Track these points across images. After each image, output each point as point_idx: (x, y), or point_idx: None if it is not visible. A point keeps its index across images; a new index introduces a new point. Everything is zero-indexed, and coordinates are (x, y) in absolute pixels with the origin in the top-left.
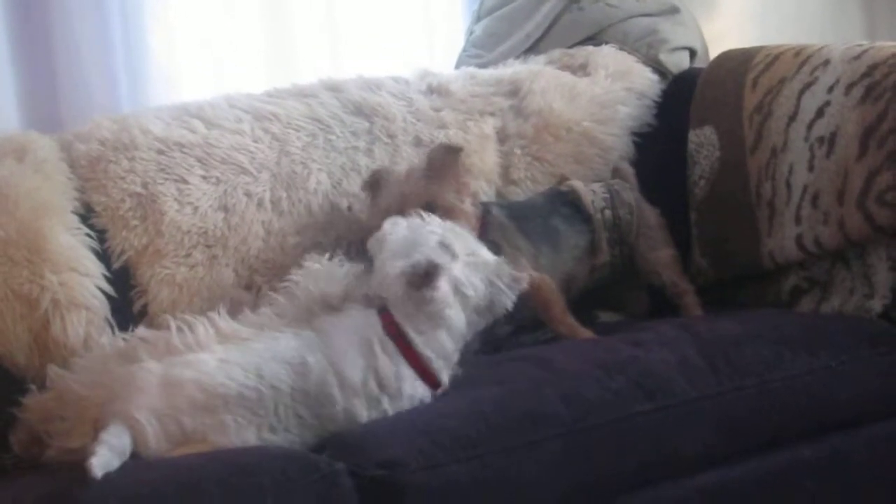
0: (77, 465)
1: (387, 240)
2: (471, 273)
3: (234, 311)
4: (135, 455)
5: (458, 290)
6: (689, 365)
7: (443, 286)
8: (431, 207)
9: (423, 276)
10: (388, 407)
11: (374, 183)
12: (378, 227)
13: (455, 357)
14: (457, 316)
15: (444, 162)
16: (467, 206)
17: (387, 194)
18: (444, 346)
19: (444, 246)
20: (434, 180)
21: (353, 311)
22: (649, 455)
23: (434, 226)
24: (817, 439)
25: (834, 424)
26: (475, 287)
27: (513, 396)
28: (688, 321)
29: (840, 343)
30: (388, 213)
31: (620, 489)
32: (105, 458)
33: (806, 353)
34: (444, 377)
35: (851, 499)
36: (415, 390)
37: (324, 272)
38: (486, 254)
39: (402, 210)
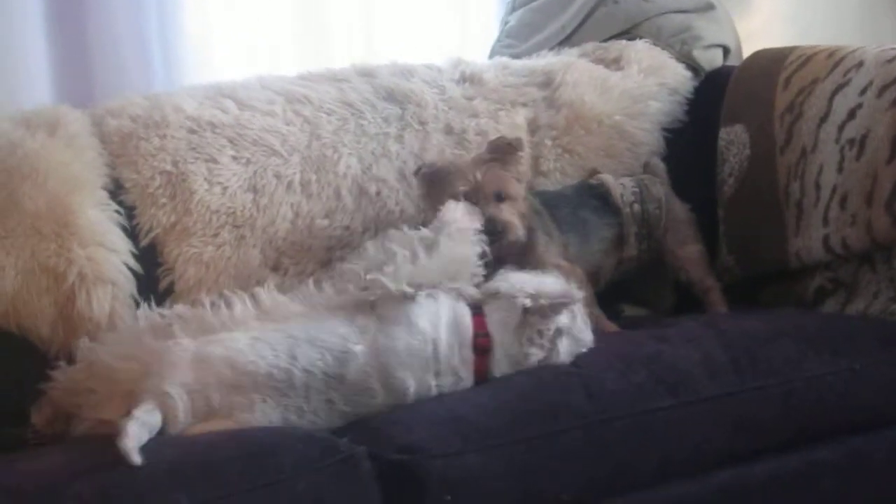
0: (104, 439)
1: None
2: (572, 343)
3: None
4: (163, 430)
5: (554, 345)
6: (712, 362)
7: (551, 331)
8: (500, 196)
9: (543, 310)
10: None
11: (436, 172)
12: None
13: None
14: (533, 358)
15: (507, 152)
16: (523, 196)
17: (458, 180)
18: (508, 370)
19: (571, 311)
20: (501, 169)
21: (431, 304)
22: (670, 450)
23: (575, 293)
24: (838, 440)
25: (855, 426)
26: (567, 353)
27: (536, 387)
28: (713, 318)
29: (864, 345)
30: (459, 196)
31: (640, 483)
32: (138, 438)
33: (829, 354)
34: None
35: (871, 500)
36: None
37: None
38: (589, 337)
39: (475, 195)
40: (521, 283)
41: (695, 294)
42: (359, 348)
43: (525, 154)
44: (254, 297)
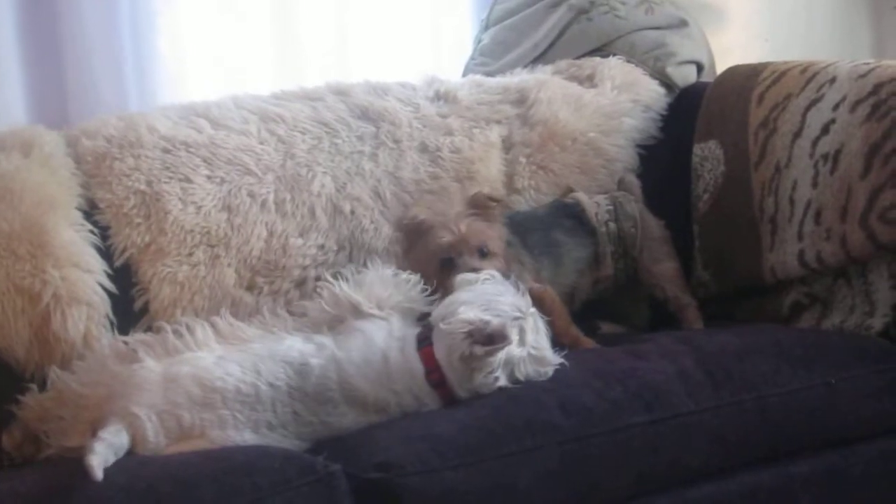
0: (73, 461)
1: (474, 286)
2: (529, 363)
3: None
4: (132, 451)
5: (508, 369)
6: (688, 377)
7: (498, 358)
8: (483, 252)
9: (487, 338)
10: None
11: (418, 225)
12: (430, 265)
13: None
14: (492, 384)
15: (487, 207)
16: (503, 245)
17: (441, 231)
18: (474, 392)
19: (521, 329)
20: (484, 224)
21: (384, 324)
22: (646, 466)
23: (523, 304)
24: (814, 455)
25: (831, 441)
26: (526, 375)
27: (512, 404)
28: (688, 334)
29: (839, 360)
30: (443, 251)
31: (616, 500)
32: (103, 456)
33: (805, 369)
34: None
35: None
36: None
37: (358, 279)
38: (550, 354)
39: (458, 247)
40: (466, 307)
41: (670, 310)
42: (315, 361)
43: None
44: (212, 324)
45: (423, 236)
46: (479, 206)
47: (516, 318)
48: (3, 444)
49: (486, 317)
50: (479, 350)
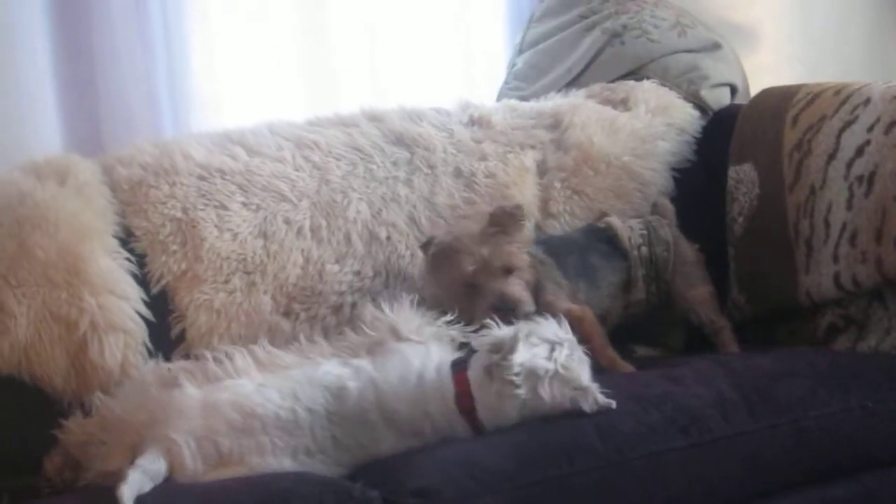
0: (112, 488)
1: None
2: (556, 382)
3: None
4: (171, 478)
5: (532, 382)
6: (724, 401)
7: (518, 364)
8: (507, 270)
9: (503, 346)
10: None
11: (442, 250)
12: (456, 291)
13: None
14: (511, 393)
15: (510, 222)
16: (527, 260)
17: (465, 258)
18: (505, 423)
19: (553, 347)
20: (506, 241)
21: (422, 347)
22: (683, 490)
23: (562, 332)
24: (851, 478)
25: (868, 463)
26: (551, 395)
27: (549, 429)
28: (724, 357)
29: (875, 382)
30: (467, 279)
31: None
32: (136, 485)
33: (841, 392)
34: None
35: None
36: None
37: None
38: (586, 381)
39: (483, 273)
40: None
41: (705, 334)
42: (353, 384)
43: (526, 222)
44: (250, 352)
45: (447, 261)
46: (500, 222)
47: (549, 340)
48: (44, 470)
49: (512, 331)
50: (496, 356)
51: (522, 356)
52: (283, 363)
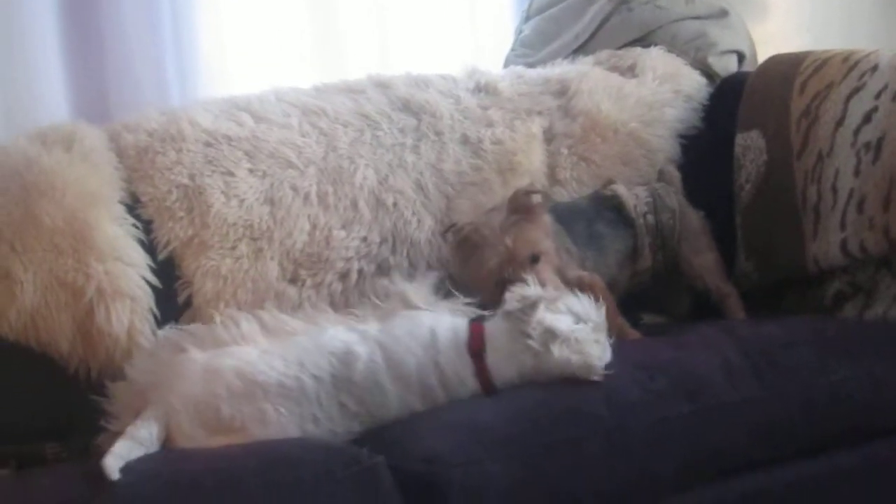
0: None
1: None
2: (568, 344)
3: None
4: (169, 443)
5: (546, 337)
6: (731, 368)
7: (537, 319)
8: (535, 258)
9: (528, 305)
10: (443, 401)
11: (464, 241)
12: (485, 285)
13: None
14: (525, 342)
15: (530, 206)
16: (551, 242)
17: (490, 253)
18: (509, 374)
19: (577, 317)
20: (529, 228)
21: (434, 314)
22: (689, 457)
23: (594, 311)
24: (859, 445)
25: (875, 431)
26: (561, 354)
27: (555, 395)
28: (731, 324)
29: (883, 350)
30: (494, 273)
31: (660, 490)
32: (123, 454)
33: (849, 359)
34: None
35: None
36: (470, 394)
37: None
38: (595, 357)
39: (510, 264)
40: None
41: (712, 301)
42: (360, 348)
43: (543, 204)
44: (257, 317)
45: (472, 255)
46: (520, 207)
47: (576, 314)
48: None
49: (539, 291)
50: (519, 320)
51: (543, 315)
52: (290, 328)
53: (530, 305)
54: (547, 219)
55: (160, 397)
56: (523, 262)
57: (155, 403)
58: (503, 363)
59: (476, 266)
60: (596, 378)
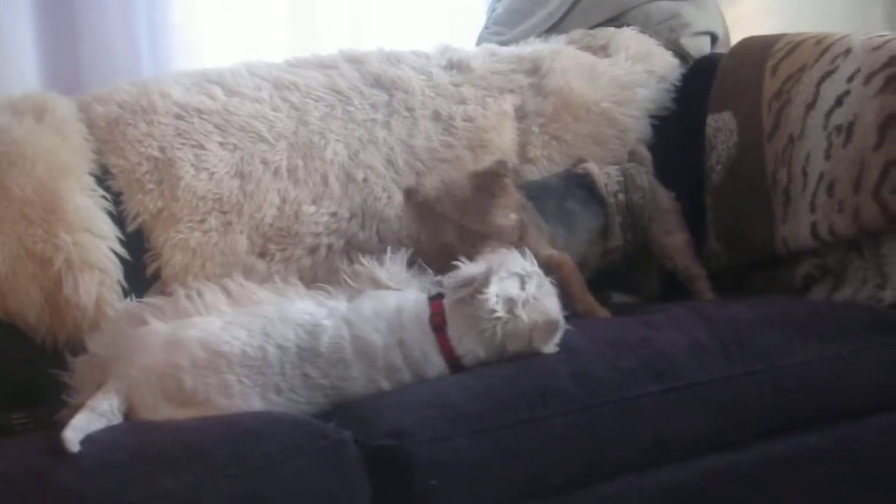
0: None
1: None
2: (530, 307)
3: None
4: (131, 415)
5: (508, 305)
6: (699, 348)
7: (492, 293)
8: (487, 236)
9: (475, 280)
10: (410, 381)
11: (425, 205)
12: (437, 256)
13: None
14: (491, 317)
15: (494, 182)
16: (513, 217)
17: (444, 225)
18: (474, 348)
19: (523, 280)
20: (491, 205)
21: (399, 292)
22: (657, 436)
23: (528, 264)
24: (826, 427)
25: (843, 412)
26: (530, 318)
27: (523, 373)
28: (701, 305)
29: (851, 332)
30: (448, 244)
31: (627, 468)
32: (82, 427)
33: (817, 341)
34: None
35: (858, 487)
36: (437, 373)
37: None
38: (555, 313)
39: (460, 241)
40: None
41: (682, 281)
42: (328, 322)
43: (510, 178)
44: (224, 287)
45: (427, 220)
46: (484, 184)
47: (518, 273)
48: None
49: (484, 266)
50: (467, 290)
51: (499, 286)
52: (257, 298)
53: (482, 284)
54: (516, 195)
55: (121, 370)
56: (473, 241)
57: (116, 376)
58: (466, 337)
59: (431, 235)
60: (563, 329)
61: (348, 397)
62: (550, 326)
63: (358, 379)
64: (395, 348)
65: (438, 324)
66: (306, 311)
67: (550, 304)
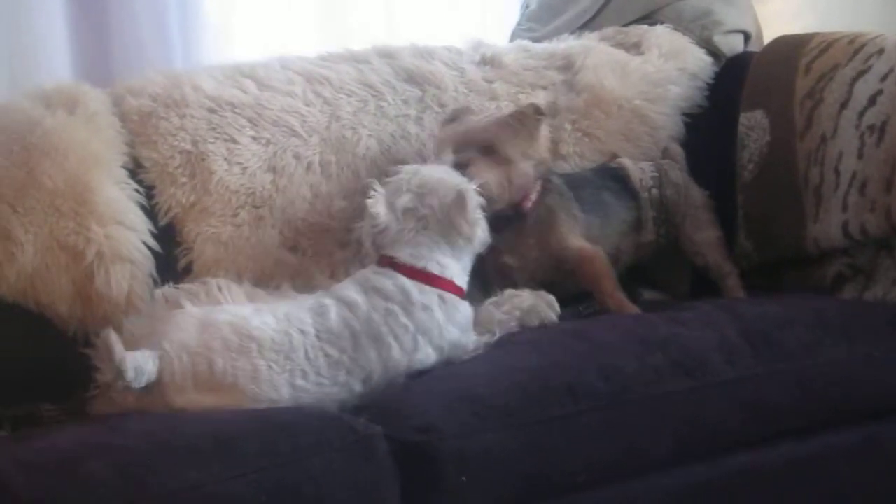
0: (118, 417)
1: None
2: (417, 198)
3: None
4: (159, 391)
5: (400, 210)
6: (728, 345)
7: (377, 206)
8: (489, 150)
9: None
10: (410, 324)
11: (452, 117)
12: (440, 148)
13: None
14: (415, 235)
15: (525, 118)
16: (527, 166)
17: (452, 127)
18: (424, 253)
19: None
20: (505, 129)
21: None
22: (685, 433)
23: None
24: (854, 426)
25: (871, 412)
26: (426, 206)
27: (552, 368)
28: (730, 302)
29: (881, 331)
30: (447, 143)
31: (654, 466)
32: (133, 359)
33: (846, 340)
34: (459, 282)
35: (885, 487)
36: (430, 299)
37: None
38: (451, 183)
39: (460, 143)
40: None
41: (711, 279)
42: (326, 300)
43: (545, 125)
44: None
45: (450, 123)
46: (520, 117)
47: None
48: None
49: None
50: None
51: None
52: (266, 300)
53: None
54: (541, 138)
55: (155, 344)
56: (472, 149)
57: (150, 348)
58: (406, 248)
59: (442, 132)
60: (475, 198)
61: (368, 370)
62: (460, 198)
63: (364, 341)
64: (373, 296)
65: (387, 261)
66: (307, 299)
67: (447, 181)
